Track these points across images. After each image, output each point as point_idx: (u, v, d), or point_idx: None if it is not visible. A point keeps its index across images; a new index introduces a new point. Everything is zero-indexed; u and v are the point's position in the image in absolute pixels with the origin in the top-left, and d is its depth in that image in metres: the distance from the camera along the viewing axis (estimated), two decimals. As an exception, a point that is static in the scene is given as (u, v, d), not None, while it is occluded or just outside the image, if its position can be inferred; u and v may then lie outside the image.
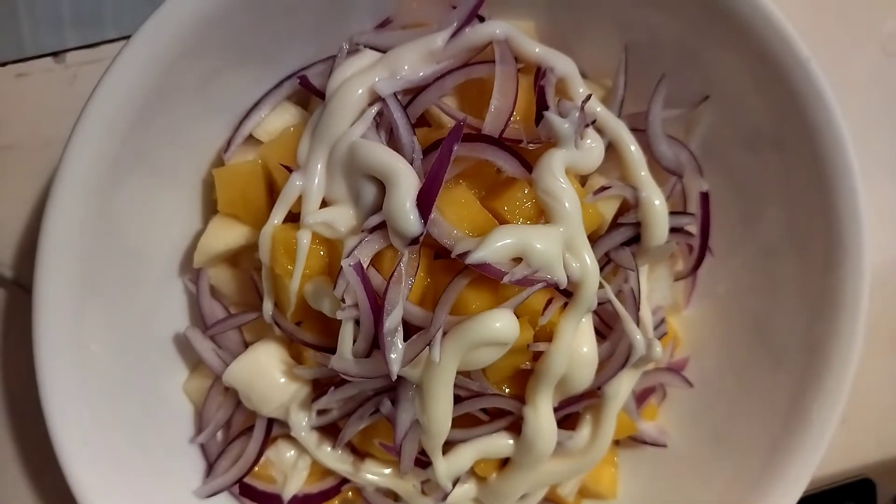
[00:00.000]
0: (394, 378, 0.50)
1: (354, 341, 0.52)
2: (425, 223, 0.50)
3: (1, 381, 0.66)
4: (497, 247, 0.50)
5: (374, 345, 0.52)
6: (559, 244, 0.52)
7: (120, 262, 0.57)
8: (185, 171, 0.58)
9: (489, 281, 0.53)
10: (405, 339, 0.51)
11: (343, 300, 0.51)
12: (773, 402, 0.64)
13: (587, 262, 0.54)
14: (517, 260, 0.52)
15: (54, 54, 0.63)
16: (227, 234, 0.57)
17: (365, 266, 0.51)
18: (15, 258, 0.65)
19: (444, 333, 0.51)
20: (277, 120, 0.58)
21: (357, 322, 0.52)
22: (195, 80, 0.55)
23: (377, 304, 0.51)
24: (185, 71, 0.53)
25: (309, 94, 0.58)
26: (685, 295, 0.69)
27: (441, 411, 0.53)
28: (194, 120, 0.57)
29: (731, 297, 0.68)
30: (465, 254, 0.50)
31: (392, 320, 0.50)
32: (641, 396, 0.67)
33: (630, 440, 0.69)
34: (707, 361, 0.69)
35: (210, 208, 0.60)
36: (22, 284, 0.65)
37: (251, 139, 0.58)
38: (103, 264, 0.55)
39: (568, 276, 0.53)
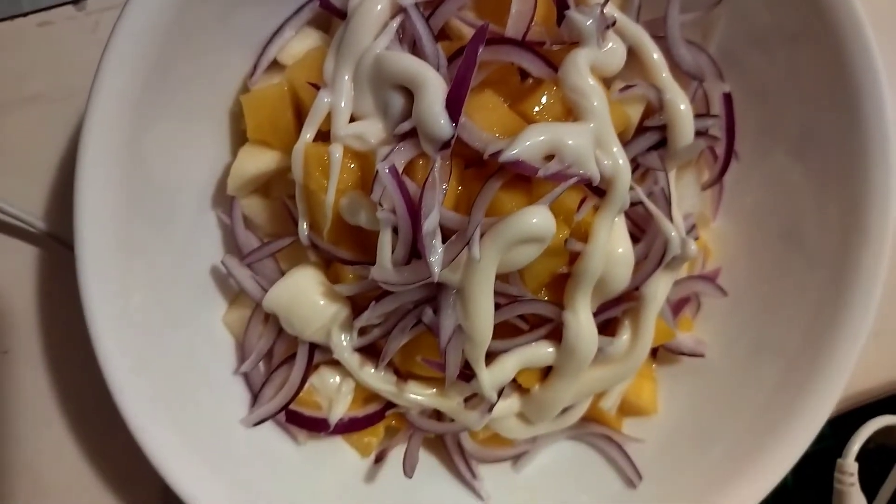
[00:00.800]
0: (435, 279, 0.51)
1: (393, 251, 0.53)
2: (456, 125, 0.51)
3: (41, 334, 0.67)
4: (529, 144, 0.51)
5: (413, 253, 0.52)
6: (590, 140, 0.53)
7: (154, 202, 0.57)
8: (212, 105, 0.59)
9: (522, 182, 0.53)
10: (443, 243, 0.52)
11: (380, 205, 0.51)
12: (808, 303, 0.64)
13: (618, 159, 0.54)
14: (549, 158, 0.52)
15: (75, 2, 0.63)
16: (258, 160, 0.58)
17: (400, 171, 0.51)
18: (46, 210, 0.66)
19: (482, 235, 0.51)
20: (300, 44, 0.58)
21: (395, 230, 0.52)
22: (214, 14, 0.55)
23: (414, 208, 0.51)
24: (203, 5, 0.54)
25: (330, 18, 0.59)
26: (713, 206, 0.69)
27: (483, 314, 0.53)
28: (217, 53, 0.57)
29: (758, 206, 0.68)
30: (498, 153, 0.51)
31: (430, 223, 0.50)
32: (676, 307, 0.67)
33: (668, 354, 0.69)
34: (739, 271, 0.69)
35: (239, 140, 0.60)
36: (55, 236, 0.66)
37: (275, 65, 0.58)
38: (138, 206, 0.56)
39: (600, 173, 0.53)
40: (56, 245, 0.66)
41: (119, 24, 0.51)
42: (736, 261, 0.70)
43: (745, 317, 0.68)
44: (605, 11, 0.56)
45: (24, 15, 0.63)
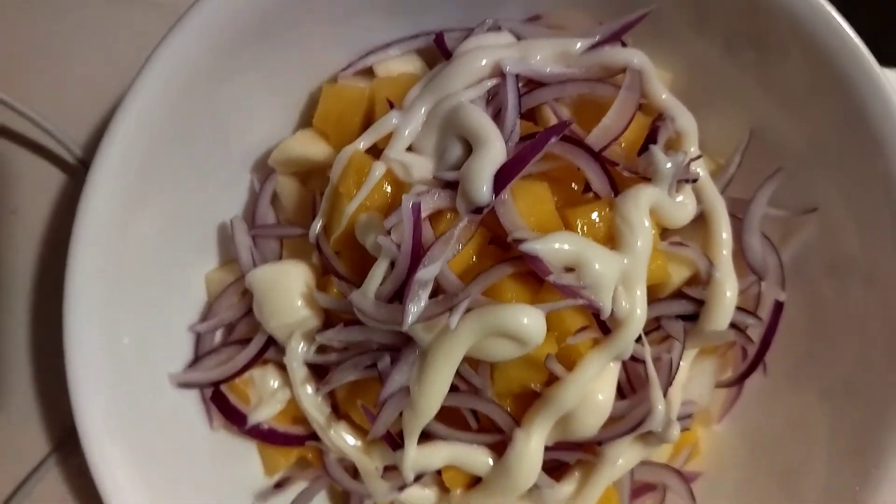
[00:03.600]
0: (405, 327, 0.48)
1: (382, 283, 0.51)
2: (496, 197, 0.50)
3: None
4: (556, 247, 0.49)
5: (398, 295, 0.51)
6: (617, 272, 0.50)
7: (203, 145, 0.58)
8: (300, 79, 0.60)
9: (533, 281, 0.51)
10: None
11: (388, 234, 0.50)
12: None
13: (637, 305, 0.51)
14: (570, 271, 0.50)
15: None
16: (309, 145, 0.58)
17: (423, 215, 0.50)
18: (86, 141, 0.67)
19: (469, 310, 0.49)
20: (401, 64, 0.59)
21: (392, 265, 0.51)
22: (338, 11, 0.57)
23: (418, 252, 0.49)
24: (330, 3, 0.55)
25: (435, 54, 0.59)
26: (723, 408, 0.64)
27: (436, 387, 0.50)
28: (320, 39, 0.59)
29: (768, 430, 0.63)
30: (522, 241, 0.49)
31: (427, 273, 0.49)
32: (639, 490, 0.62)
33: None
34: (720, 487, 0.64)
35: (305, 123, 0.61)
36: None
37: (368, 72, 0.59)
38: (187, 142, 0.57)
39: (613, 312, 0.50)
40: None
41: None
42: (722, 475, 0.65)
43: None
44: (691, 165, 0.54)
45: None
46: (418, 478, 0.55)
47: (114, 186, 0.54)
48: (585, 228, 0.52)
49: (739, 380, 0.61)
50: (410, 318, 0.48)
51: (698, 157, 0.56)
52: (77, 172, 0.68)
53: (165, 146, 0.55)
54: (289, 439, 0.60)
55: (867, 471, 0.56)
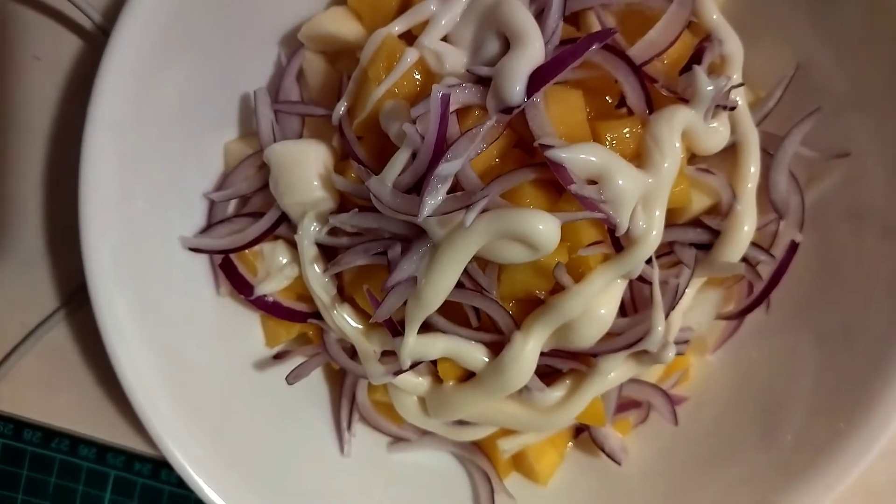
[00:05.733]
0: (420, 219, 0.48)
1: (402, 173, 0.51)
2: (527, 99, 0.48)
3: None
4: (581, 157, 0.48)
5: (416, 186, 0.50)
6: (639, 191, 0.50)
7: (233, 11, 0.57)
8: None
9: (553, 188, 0.51)
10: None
11: (413, 122, 0.49)
12: (747, 490, 0.60)
13: (654, 225, 0.51)
14: (592, 183, 0.49)
15: None
16: (342, 24, 0.56)
17: (451, 108, 0.49)
18: (105, 7, 0.64)
19: (485, 210, 0.49)
20: (446, -51, 0.56)
21: (413, 156, 0.50)
22: None
23: (442, 145, 0.49)
24: None
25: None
26: (719, 338, 0.65)
27: (443, 281, 0.51)
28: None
29: (759, 366, 0.64)
30: (548, 147, 0.48)
31: (448, 167, 0.48)
32: (624, 405, 0.64)
33: (588, 442, 0.65)
34: (703, 413, 0.65)
35: (340, 0, 0.59)
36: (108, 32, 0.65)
37: (413, -45, 0.57)
38: (216, 6, 0.55)
39: (628, 229, 0.50)
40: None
41: None
42: (707, 402, 0.66)
43: (681, 456, 0.64)
44: (731, 91, 0.53)
45: None
46: (414, 365, 0.56)
47: (138, 44, 0.53)
48: (615, 143, 0.51)
49: (741, 314, 0.62)
50: (427, 211, 0.48)
51: (740, 84, 0.54)
52: (95, 39, 0.66)
53: (194, 7, 0.54)
54: (292, 314, 0.61)
55: (847, 418, 0.58)
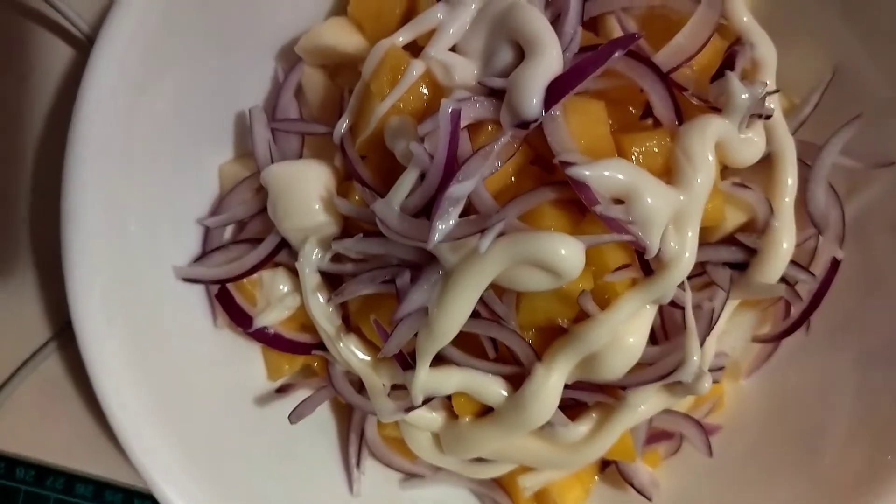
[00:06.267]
0: (430, 245, 0.44)
1: (409, 195, 0.47)
2: (545, 112, 0.44)
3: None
4: (606, 174, 0.44)
5: (426, 210, 0.46)
6: (670, 210, 0.45)
7: (226, 22, 0.53)
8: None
9: (576, 208, 0.47)
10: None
11: (422, 141, 0.45)
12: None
13: (686, 247, 0.47)
14: (618, 202, 0.45)
15: None
16: (342, 36, 0.53)
17: (461, 124, 0.45)
18: (94, 18, 0.60)
19: (502, 234, 0.45)
20: (452, -49, 0.52)
21: (422, 176, 0.46)
22: None
23: (453, 165, 0.45)
24: None
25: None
26: (754, 362, 0.61)
27: (457, 311, 0.47)
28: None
29: (797, 391, 0.60)
30: (570, 165, 0.44)
31: (460, 189, 0.44)
32: (654, 436, 0.60)
33: (616, 476, 0.61)
34: (737, 442, 0.61)
35: (339, 10, 0.55)
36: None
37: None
38: (208, 16, 0.52)
39: (659, 252, 0.46)
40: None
41: None
42: (741, 431, 0.62)
43: (713, 490, 0.60)
44: (767, 98, 0.48)
45: None
46: (426, 401, 0.52)
47: (124, 56, 0.49)
48: (641, 158, 0.47)
49: (779, 337, 0.58)
50: (437, 237, 0.44)
51: (776, 91, 0.50)
52: (85, 48, 0.62)
53: (184, 18, 0.50)
54: (295, 346, 0.57)
55: (893, 448, 0.53)
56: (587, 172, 0.44)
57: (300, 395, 0.59)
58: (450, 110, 0.44)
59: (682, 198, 0.46)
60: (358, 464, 0.60)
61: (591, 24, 0.51)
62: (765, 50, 0.51)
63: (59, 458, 0.66)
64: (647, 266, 0.47)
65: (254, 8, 0.54)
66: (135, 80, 0.50)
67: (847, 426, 0.56)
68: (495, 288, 0.48)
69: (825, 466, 0.56)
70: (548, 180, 0.47)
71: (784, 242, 0.52)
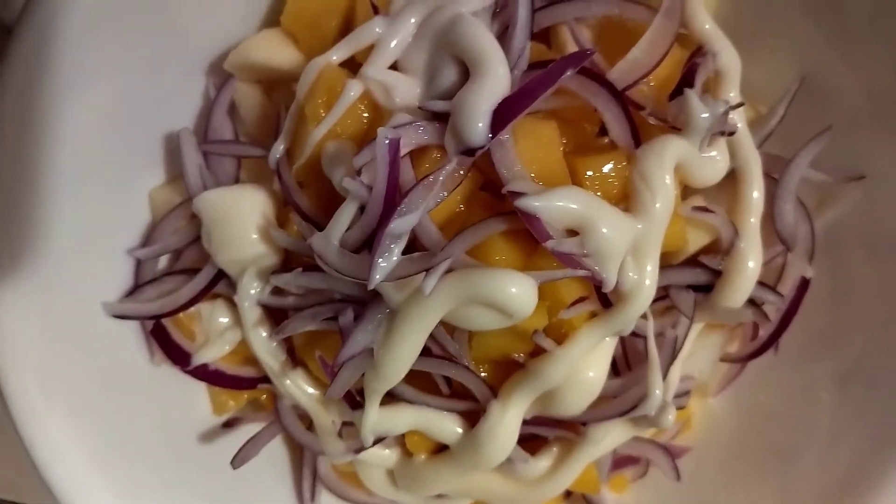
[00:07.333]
0: (371, 286, 0.41)
1: (349, 229, 0.43)
2: (492, 138, 0.41)
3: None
4: (559, 205, 0.41)
5: (369, 244, 0.43)
6: (627, 240, 0.42)
7: (152, 33, 0.49)
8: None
9: (526, 241, 0.43)
10: (404, 254, 0.42)
11: (358, 174, 0.41)
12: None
13: (646, 279, 0.44)
14: (572, 233, 0.42)
15: None
16: (274, 50, 0.49)
17: (402, 152, 0.42)
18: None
19: (449, 271, 0.41)
20: (391, -39, 0.48)
21: (362, 209, 0.42)
22: None
23: (394, 197, 0.41)
24: None
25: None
26: (722, 381, 0.59)
27: (404, 353, 0.44)
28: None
29: (768, 409, 0.58)
30: (519, 195, 0.40)
31: (402, 224, 0.41)
32: (619, 462, 0.57)
33: (579, 502, 0.58)
34: (707, 462, 0.59)
35: (272, 21, 0.51)
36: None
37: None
38: (131, 27, 0.47)
39: (617, 283, 0.43)
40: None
41: None
42: (710, 451, 0.60)
43: (683, 512, 0.58)
44: (730, 114, 0.45)
45: None
46: (378, 440, 0.49)
47: (37, 62, 0.44)
48: (597, 183, 0.44)
49: (747, 358, 0.55)
50: (378, 276, 0.41)
51: (740, 105, 0.47)
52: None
53: (104, 23, 0.46)
54: (238, 382, 0.54)
55: (870, 468, 0.51)
56: (537, 204, 0.40)
57: (249, 429, 0.56)
58: (387, 141, 0.40)
59: (640, 226, 0.43)
60: (312, 498, 0.57)
61: (543, 35, 0.48)
62: (728, 58, 0.48)
63: (8, 494, 0.63)
64: (605, 298, 0.45)
65: (179, 17, 0.49)
66: (52, 87, 0.45)
67: (818, 444, 0.55)
68: (446, 324, 0.44)
69: (795, 484, 0.55)
70: (498, 209, 0.44)
71: (750, 262, 0.49)
